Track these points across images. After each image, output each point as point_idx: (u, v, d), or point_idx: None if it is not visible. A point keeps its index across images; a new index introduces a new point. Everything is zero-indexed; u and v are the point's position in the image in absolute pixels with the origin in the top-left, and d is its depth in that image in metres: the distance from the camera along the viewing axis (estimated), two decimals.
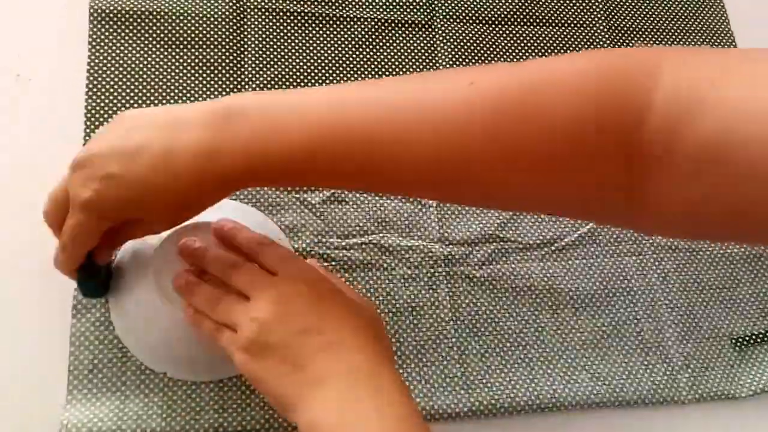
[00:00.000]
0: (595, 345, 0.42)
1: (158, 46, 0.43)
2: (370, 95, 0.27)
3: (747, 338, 0.44)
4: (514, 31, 0.50)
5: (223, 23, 0.45)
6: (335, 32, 0.46)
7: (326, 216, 0.42)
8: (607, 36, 0.51)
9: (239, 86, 0.44)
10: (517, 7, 0.50)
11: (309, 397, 0.28)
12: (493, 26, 0.49)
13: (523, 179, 0.25)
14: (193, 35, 0.44)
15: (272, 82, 0.44)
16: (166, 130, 0.27)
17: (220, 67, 0.44)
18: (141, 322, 0.37)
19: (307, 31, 0.46)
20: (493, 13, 0.50)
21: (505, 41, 0.49)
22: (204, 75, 0.43)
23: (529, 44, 0.50)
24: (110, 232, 0.31)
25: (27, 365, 0.36)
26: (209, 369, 0.37)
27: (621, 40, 0.51)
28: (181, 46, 0.44)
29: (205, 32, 0.44)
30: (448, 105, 0.25)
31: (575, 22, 0.51)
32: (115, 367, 0.37)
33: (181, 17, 0.44)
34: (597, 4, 0.52)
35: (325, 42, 0.46)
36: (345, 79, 0.45)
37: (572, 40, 0.51)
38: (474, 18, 0.49)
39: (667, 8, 0.53)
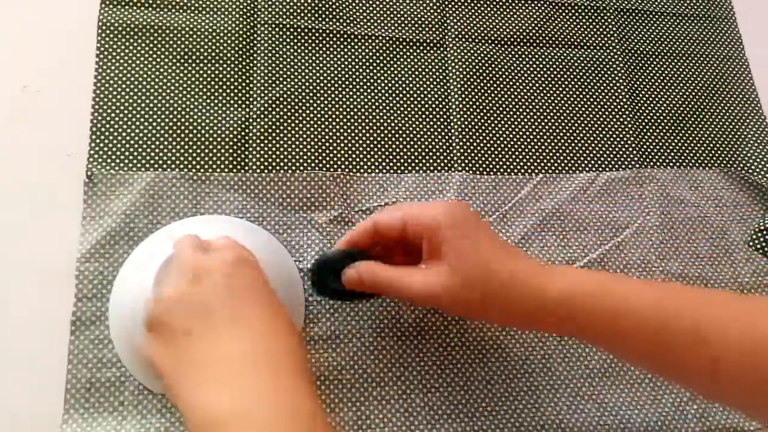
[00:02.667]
0: (603, 374, 0.42)
1: (166, 60, 0.43)
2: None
3: None
4: (526, 52, 0.49)
5: (233, 39, 0.44)
6: (346, 50, 0.46)
7: (333, 236, 0.41)
8: (620, 57, 0.51)
9: (247, 101, 0.43)
10: (530, 27, 0.50)
11: (196, 379, 0.26)
12: (506, 46, 0.49)
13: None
14: (201, 50, 0.43)
15: (280, 99, 0.44)
16: None
17: (228, 83, 0.43)
18: (139, 340, 0.36)
19: (316, 48, 0.45)
20: (505, 33, 0.49)
21: (518, 62, 0.49)
22: (212, 90, 0.43)
23: (541, 65, 0.49)
24: None
25: (23, 382, 0.36)
26: None
27: (635, 62, 0.51)
28: (190, 61, 0.43)
29: (214, 47, 0.44)
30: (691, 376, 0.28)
31: (588, 43, 0.51)
32: (113, 387, 0.36)
33: (190, 32, 0.44)
34: (610, 24, 0.52)
35: (334, 59, 0.46)
36: (354, 97, 0.45)
37: (585, 61, 0.50)
38: (486, 38, 0.49)
39: (680, 30, 0.53)
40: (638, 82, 0.50)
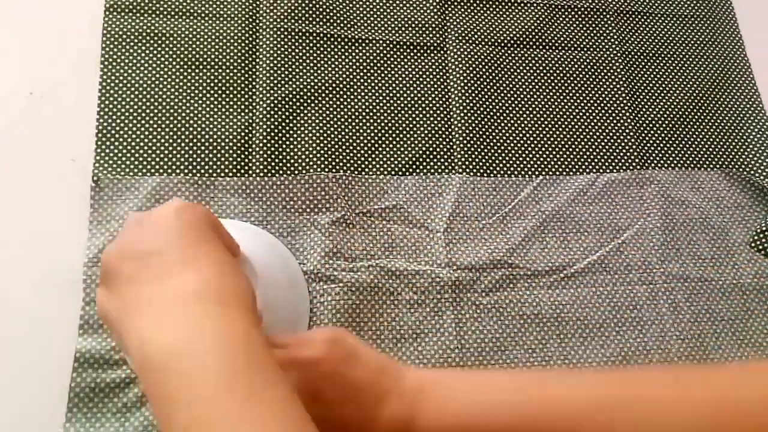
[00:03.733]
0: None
1: (170, 66, 0.43)
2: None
3: None
4: (526, 54, 0.49)
5: (235, 44, 0.45)
6: (347, 53, 0.46)
7: (335, 237, 0.41)
8: (620, 59, 0.51)
9: (250, 105, 0.44)
10: (530, 29, 0.50)
11: (139, 318, 0.24)
12: (506, 49, 0.49)
13: None
14: (204, 56, 0.44)
15: (282, 103, 0.44)
16: None
17: (231, 88, 0.44)
18: None
19: (318, 52, 0.46)
20: (505, 35, 0.50)
21: (518, 64, 0.49)
22: (215, 95, 0.43)
23: (542, 67, 0.49)
24: None
25: (27, 384, 0.36)
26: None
27: (635, 63, 0.51)
28: (193, 67, 0.44)
29: (216, 53, 0.44)
30: None
31: (588, 45, 0.51)
32: (117, 389, 0.37)
33: (193, 38, 0.45)
34: (610, 26, 0.52)
35: (336, 63, 0.46)
36: (355, 100, 0.45)
37: (584, 63, 0.50)
38: (486, 40, 0.49)
39: (681, 31, 0.53)
40: (638, 84, 0.50)
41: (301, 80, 0.45)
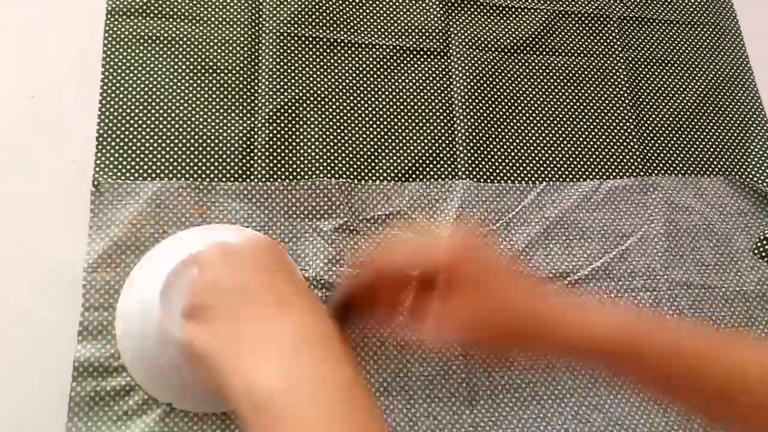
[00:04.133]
0: (608, 383, 0.41)
1: (172, 70, 0.43)
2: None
3: None
4: (530, 60, 0.49)
5: (238, 48, 0.45)
6: (349, 58, 0.46)
7: (338, 244, 0.41)
8: (623, 65, 0.51)
9: (253, 110, 0.43)
10: (533, 35, 0.50)
11: (245, 359, 0.25)
12: (509, 55, 0.49)
13: None
14: (207, 60, 0.44)
15: (285, 107, 0.44)
16: None
17: (234, 92, 0.43)
18: (148, 352, 0.36)
19: (321, 57, 0.46)
20: (508, 41, 0.50)
21: (521, 70, 0.49)
22: (217, 100, 0.43)
23: (544, 73, 0.49)
24: None
25: (27, 391, 0.36)
26: (214, 400, 0.37)
27: (638, 70, 0.51)
28: (195, 71, 0.43)
29: (219, 57, 0.44)
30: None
31: (592, 51, 0.51)
32: (117, 396, 0.36)
33: (196, 42, 0.44)
34: (613, 33, 0.52)
35: (338, 68, 0.46)
36: (358, 105, 0.45)
37: (589, 69, 0.50)
38: (489, 46, 0.49)
39: (684, 38, 0.53)
40: (641, 90, 0.50)
41: (304, 85, 0.45)
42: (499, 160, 0.46)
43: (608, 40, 0.51)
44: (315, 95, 0.45)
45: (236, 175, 0.41)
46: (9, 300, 0.37)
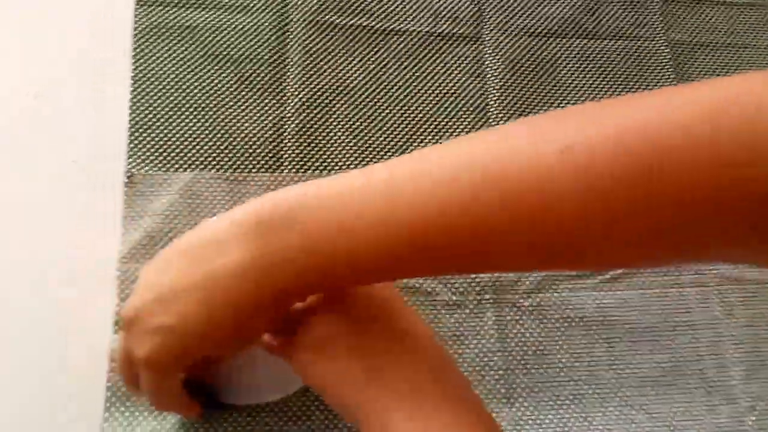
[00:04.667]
0: (654, 383, 0.40)
1: (201, 60, 0.43)
2: (427, 170, 0.22)
3: None
4: (567, 45, 0.47)
5: (266, 37, 0.44)
6: (379, 45, 0.45)
7: None
8: (666, 49, 0.48)
9: (282, 100, 0.43)
10: (571, 19, 0.48)
11: (382, 402, 0.24)
12: (545, 39, 0.47)
13: (635, 252, 0.22)
14: (236, 50, 0.43)
15: (315, 97, 0.43)
16: (202, 262, 0.23)
17: (263, 82, 0.43)
18: None
19: (351, 45, 0.45)
20: (545, 25, 0.48)
21: (558, 55, 0.47)
22: (247, 90, 0.42)
23: (582, 58, 0.47)
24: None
25: (64, 382, 0.36)
26: (249, 393, 0.36)
27: (681, 53, 0.48)
28: (224, 61, 0.43)
29: (248, 47, 0.43)
30: (534, 181, 0.21)
31: (632, 34, 0.48)
32: None
33: (224, 31, 0.44)
34: (655, 14, 0.49)
35: (369, 55, 0.45)
36: (389, 93, 0.44)
37: (629, 53, 0.48)
38: (525, 31, 0.47)
39: (729, 19, 0.50)
40: (685, 75, 0.48)
41: (334, 74, 0.44)
42: None
43: (651, 23, 0.49)
44: (345, 84, 0.44)
45: (266, 166, 0.41)
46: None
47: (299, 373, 0.27)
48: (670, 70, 0.48)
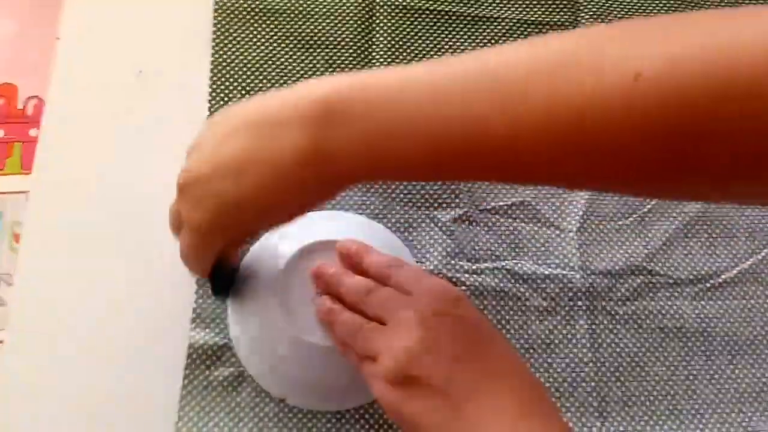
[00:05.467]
0: (755, 398, 0.37)
1: (284, 44, 0.41)
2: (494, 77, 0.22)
3: None
4: None
5: (351, 21, 0.42)
6: (468, 32, 0.42)
7: (457, 236, 0.38)
8: None
9: None
10: (673, 3, 0.45)
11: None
12: None
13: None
14: (319, 34, 0.41)
15: None
16: (263, 138, 0.24)
17: (347, 67, 0.41)
18: (261, 342, 0.35)
19: (438, 30, 0.42)
20: (645, 11, 0.44)
21: None
22: (331, 74, 0.40)
23: None
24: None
25: (141, 379, 0.35)
26: (329, 398, 0.35)
27: None
28: (307, 45, 0.41)
29: (332, 31, 0.41)
30: (607, 110, 0.20)
31: None
32: (230, 386, 0.35)
33: (308, 15, 0.41)
34: None
35: (457, 42, 0.42)
36: None
37: None
38: (623, 16, 0.44)
39: None
40: None
41: (420, 59, 0.41)
42: None
43: None
44: None
45: None
46: (121, 292, 0.36)
47: (381, 401, 0.27)
48: None
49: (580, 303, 0.38)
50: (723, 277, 0.39)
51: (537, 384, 0.27)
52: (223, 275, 0.33)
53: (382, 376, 0.27)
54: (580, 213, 0.39)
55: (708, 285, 0.39)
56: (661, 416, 0.36)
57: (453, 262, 0.37)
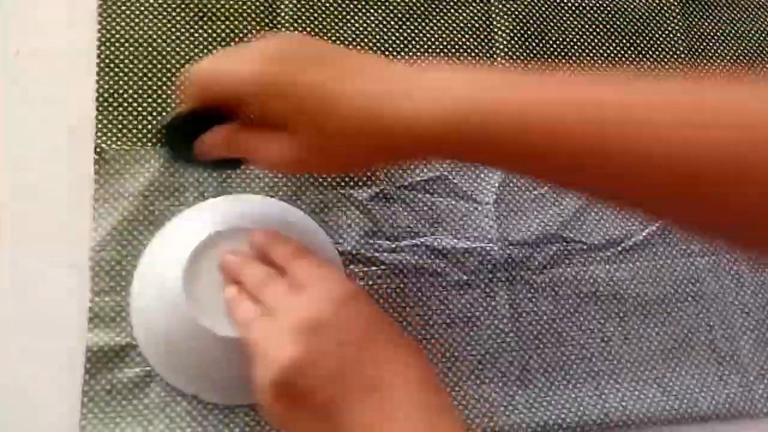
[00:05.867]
0: (666, 356, 0.39)
1: (178, 18, 0.37)
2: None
3: None
4: (575, 5, 0.44)
5: None
6: (374, 4, 0.41)
7: (374, 214, 0.37)
8: (677, 9, 0.46)
9: None
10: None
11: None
12: (550, 1, 0.44)
13: None
14: (220, 5, 0.38)
15: None
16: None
17: (249, 41, 0.38)
18: (169, 337, 0.32)
19: (345, 4, 0.40)
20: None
21: (563, 17, 0.44)
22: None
23: (595, 15, 0.44)
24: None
25: (36, 388, 0.32)
26: (244, 392, 0.33)
27: (692, 14, 0.46)
28: (206, 18, 0.38)
29: (234, 2, 0.38)
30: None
31: None
32: (136, 388, 0.32)
33: None
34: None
35: (364, 10, 0.40)
36: (384, 49, 0.40)
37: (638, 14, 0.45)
38: None
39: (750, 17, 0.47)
40: (697, 36, 0.46)
41: (328, 31, 0.39)
42: None
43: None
44: (338, 40, 0.39)
45: None
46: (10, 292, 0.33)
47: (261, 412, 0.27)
48: (679, 30, 0.46)
49: (499, 275, 0.38)
50: (633, 239, 0.40)
51: (431, 377, 0.26)
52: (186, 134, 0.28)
53: (267, 382, 0.25)
54: (497, 185, 0.39)
55: (619, 249, 0.40)
56: (579, 380, 0.37)
57: (371, 241, 0.36)
